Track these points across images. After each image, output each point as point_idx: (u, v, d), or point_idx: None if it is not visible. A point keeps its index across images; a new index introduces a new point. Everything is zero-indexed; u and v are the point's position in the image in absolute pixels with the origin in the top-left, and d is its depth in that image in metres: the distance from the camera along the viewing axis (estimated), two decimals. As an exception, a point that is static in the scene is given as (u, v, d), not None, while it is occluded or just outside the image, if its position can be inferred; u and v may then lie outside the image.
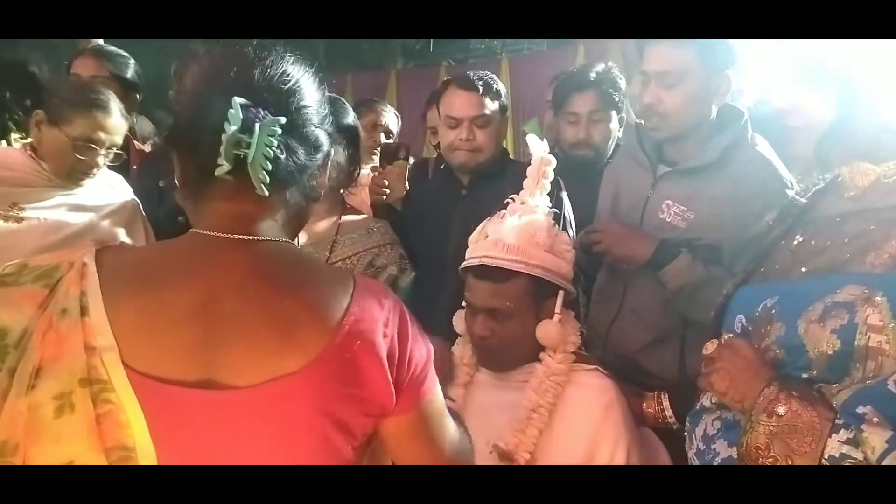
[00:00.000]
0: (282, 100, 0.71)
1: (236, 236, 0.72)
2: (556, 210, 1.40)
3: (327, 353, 0.69)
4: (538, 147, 1.42)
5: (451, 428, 0.83)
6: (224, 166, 0.67)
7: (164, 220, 1.79)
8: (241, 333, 0.68)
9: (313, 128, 0.74)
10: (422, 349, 0.78)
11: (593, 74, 2.01)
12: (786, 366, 0.91)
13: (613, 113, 2.03)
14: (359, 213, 1.75)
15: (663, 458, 1.36)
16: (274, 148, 0.68)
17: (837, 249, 0.91)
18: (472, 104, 1.77)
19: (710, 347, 0.95)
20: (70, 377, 0.65)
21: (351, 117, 1.59)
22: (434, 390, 0.80)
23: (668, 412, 1.35)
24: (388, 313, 0.75)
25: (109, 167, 1.66)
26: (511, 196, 1.40)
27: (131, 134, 2.34)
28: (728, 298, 1.05)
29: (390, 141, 2.46)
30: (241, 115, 0.66)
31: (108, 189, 1.69)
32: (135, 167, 2.08)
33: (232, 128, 0.66)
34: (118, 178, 1.76)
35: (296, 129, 0.72)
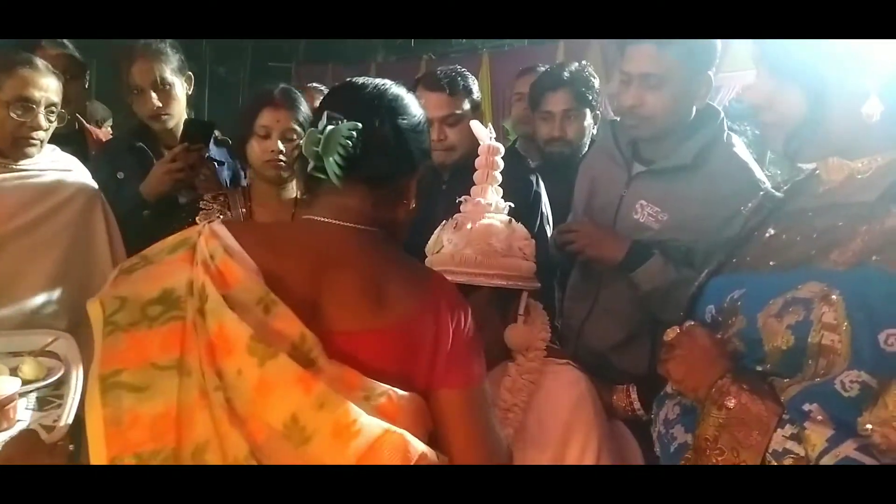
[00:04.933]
0: (384, 115, 0.91)
1: (341, 223, 0.91)
2: (510, 204, 1.36)
3: (405, 321, 0.87)
4: (484, 134, 1.36)
5: (495, 425, 0.96)
6: (307, 160, 0.89)
7: (126, 212, 1.73)
8: (343, 295, 0.86)
9: (405, 142, 0.93)
10: (476, 335, 0.95)
11: (566, 74, 2.03)
12: (743, 358, 0.90)
13: (587, 111, 2.05)
14: None
15: (634, 450, 1.36)
16: (349, 147, 0.87)
17: (806, 244, 0.90)
18: (440, 104, 1.77)
19: (670, 334, 0.95)
20: (250, 296, 0.82)
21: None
22: (484, 382, 0.94)
23: (637, 404, 1.35)
24: (455, 300, 0.94)
25: (63, 148, 1.60)
26: (463, 197, 1.36)
27: (85, 118, 2.27)
28: (701, 288, 1.05)
29: None
30: (325, 122, 0.88)
31: (62, 173, 1.62)
32: (93, 153, 2.01)
33: (314, 129, 0.88)
34: (74, 162, 1.70)
35: (387, 140, 0.91)
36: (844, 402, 0.78)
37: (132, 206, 1.74)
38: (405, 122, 0.93)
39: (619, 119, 1.65)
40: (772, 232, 0.99)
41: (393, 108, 0.93)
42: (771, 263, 0.94)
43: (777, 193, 1.07)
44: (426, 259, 1.34)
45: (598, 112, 2.09)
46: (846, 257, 0.83)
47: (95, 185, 1.68)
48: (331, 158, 0.87)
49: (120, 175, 1.84)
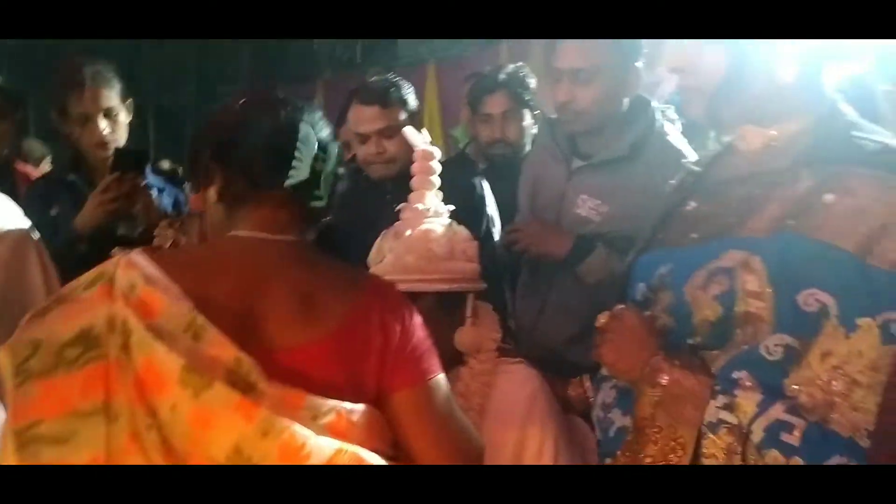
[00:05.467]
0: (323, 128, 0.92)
1: (267, 236, 0.88)
2: (451, 208, 1.36)
3: (344, 327, 0.85)
4: (418, 140, 1.37)
5: (460, 419, 0.93)
6: (323, 199, 0.91)
7: (61, 248, 1.67)
8: (276, 311, 0.84)
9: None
10: (423, 333, 0.92)
11: (503, 76, 2.06)
12: (674, 333, 0.91)
13: (526, 111, 2.08)
14: None
15: (591, 444, 1.36)
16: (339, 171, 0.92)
17: (725, 215, 0.90)
18: (375, 117, 1.76)
19: (601, 319, 0.94)
20: (177, 324, 0.78)
21: None
22: (438, 373, 0.91)
23: (591, 395, 1.33)
24: (394, 301, 0.92)
25: None
26: (401, 204, 1.36)
27: (19, 156, 2.19)
28: (630, 267, 1.06)
29: None
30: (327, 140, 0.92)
31: None
32: (24, 190, 1.95)
33: (333, 166, 0.92)
34: (2, 201, 1.63)
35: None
36: (770, 366, 0.79)
37: (67, 242, 1.68)
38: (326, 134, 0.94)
39: (555, 117, 1.67)
40: (693, 205, 0.99)
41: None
42: (693, 236, 0.93)
43: (696, 168, 1.07)
44: (368, 269, 1.33)
45: (536, 112, 2.11)
46: (763, 224, 0.84)
47: (27, 223, 1.62)
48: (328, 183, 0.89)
49: (53, 211, 1.78)
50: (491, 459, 1.25)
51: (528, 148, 2.08)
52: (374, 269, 1.32)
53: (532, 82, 2.09)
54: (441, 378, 0.92)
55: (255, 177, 0.87)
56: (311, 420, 0.79)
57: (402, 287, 1.23)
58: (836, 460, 0.73)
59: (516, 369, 1.33)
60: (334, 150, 0.94)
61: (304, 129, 0.89)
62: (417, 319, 0.93)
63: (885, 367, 0.73)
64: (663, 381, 0.84)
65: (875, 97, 1.11)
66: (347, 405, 0.82)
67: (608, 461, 0.97)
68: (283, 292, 0.86)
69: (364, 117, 1.77)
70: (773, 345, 0.79)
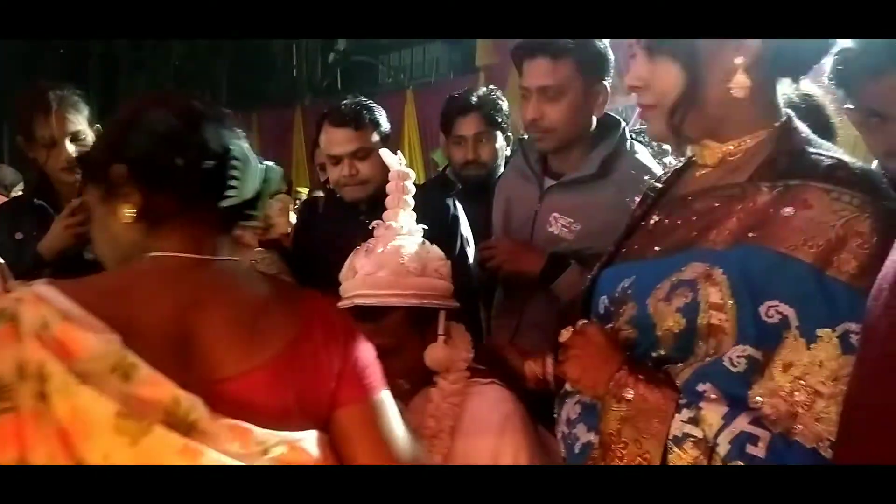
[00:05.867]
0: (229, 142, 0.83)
1: (199, 256, 0.81)
2: (424, 227, 1.36)
3: (289, 348, 0.80)
4: (393, 161, 1.38)
5: (403, 435, 0.88)
6: (258, 218, 0.87)
7: (25, 273, 1.64)
8: (215, 337, 0.77)
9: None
10: (367, 348, 0.89)
11: (475, 98, 2.08)
12: (637, 345, 0.91)
13: (498, 133, 2.10)
14: (247, 247, 1.67)
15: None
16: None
17: (687, 228, 0.91)
18: (347, 139, 1.77)
19: (564, 335, 0.94)
20: (103, 365, 0.70)
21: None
22: (383, 389, 0.88)
23: (550, 377, 1.31)
24: (336, 318, 0.89)
25: None
26: (375, 222, 1.36)
27: None
28: (593, 281, 1.05)
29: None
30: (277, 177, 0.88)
31: None
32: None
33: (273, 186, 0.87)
34: None
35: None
36: (734, 378, 0.79)
37: (33, 266, 1.65)
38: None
39: (525, 137, 1.69)
40: (656, 219, 0.99)
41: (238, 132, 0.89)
42: (656, 249, 0.94)
43: (657, 184, 1.09)
44: (340, 286, 1.32)
45: (509, 134, 2.13)
46: (724, 236, 0.85)
47: None
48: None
49: (18, 236, 1.75)
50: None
51: (501, 169, 2.10)
52: (346, 284, 1.31)
53: (504, 105, 2.12)
54: (386, 394, 0.89)
55: (189, 197, 0.80)
56: (262, 454, 0.74)
57: (372, 301, 1.25)
58: None
59: (488, 390, 1.31)
60: (274, 172, 0.88)
61: (240, 145, 0.83)
62: (360, 335, 0.90)
63: (844, 378, 0.73)
64: (628, 395, 0.83)
65: (825, 111, 1.14)
66: (297, 435, 0.77)
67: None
68: (221, 316, 0.79)
69: (336, 140, 1.78)
70: (735, 356, 0.79)
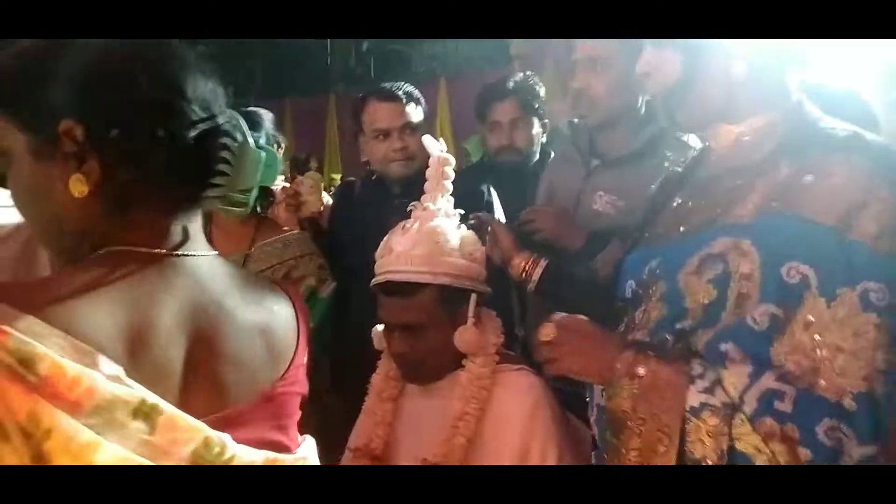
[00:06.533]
0: (217, 110, 0.66)
1: (174, 252, 0.64)
2: (461, 211, 1.37)
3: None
4: (434, 147, 1.39)
5: None
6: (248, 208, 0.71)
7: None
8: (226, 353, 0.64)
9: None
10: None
11: (511, 83, 2.04)
12: (664, 319, 0.92)
13: (535, 119, 2.06)
14: (283, 228, 1.69)
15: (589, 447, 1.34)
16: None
17: (710, 207, 0.93)
18: (397, 113, 1.76)
19: (549, 333, 0.92)
20: (121, 410, 0.55)
21: (263, 131, 1.57)
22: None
23: (533, 281, 1.30)
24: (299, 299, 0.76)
25: None
26: (412, 203, 1.36)
27: None
28: (618, 267, 1.07)
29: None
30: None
31: None
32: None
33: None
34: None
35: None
36: (756, 336, 0.81)
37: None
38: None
39: (575, 121, 1.72)
40: (679, 201, 1.02)
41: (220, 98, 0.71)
42: (682, 229, 0.96)
43: (677, 168, 1.11)
44: (375, 264, 1.34)
45: (546, 121, 2.10)
46: (748, 210, 0.87)
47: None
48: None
49: None
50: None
51: (536, 157, 2.08)
52: (381, 261, 1.32)
53: (541, 91, 2.08)
54: None
55: (164, 179, 0.63)
56: None
57: (405, 277, 1.26)
58: (826, 423, 0.76)
59: (518, 376, 1.30)
60: (274, 159, 0.73)
61: (238, 119, 0.67)
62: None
63: (865, 334, 0.76)
64: (641, 371, 0.85)
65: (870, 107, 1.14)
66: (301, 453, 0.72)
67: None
68: (222, 325, 0.65)
69: (384, 114, 1.76)
70: (758, 315, 0.81)
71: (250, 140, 0.67)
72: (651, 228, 1.06)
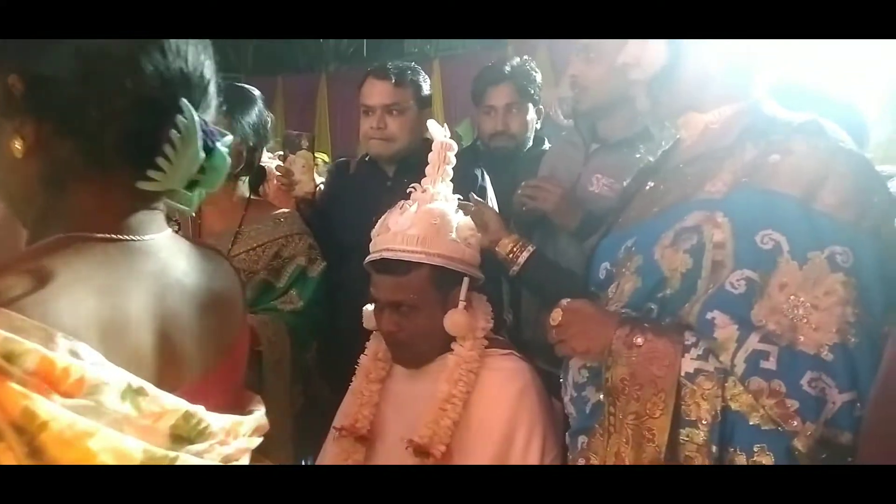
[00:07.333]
0: (196, 90, 0.64)
1: (136, 238, 0.62)
2: (459, 196, 1.37)
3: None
4: (438, 132, 1.40)
5: None
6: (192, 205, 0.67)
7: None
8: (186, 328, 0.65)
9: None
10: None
11: (508, 68, 2.03)
12: (641, 290, 0.97)
13: (530, 105, 2.06)
14: (275, 206, 1.68)
15: None
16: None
17: (682, 188, 1.00)
18: (384, 92, 1.75)
19: (556, 317, 0.98)
20: (111, 393, 0.55)
21: (255, 109, 1.56)
22: None
23: (518, 264, 1.36)
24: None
25: None
26: (412, 185, 1.37)
27: None
28: (592, 253, 1.12)
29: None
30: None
31: None
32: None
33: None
34: None
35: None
36: (737, 300, 0.87)
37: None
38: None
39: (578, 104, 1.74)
40: (651, 185, 1.08)
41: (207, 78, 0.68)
42: (654, 210, 1.02)
43: (651, 159, 1.18)
44: (371, 242, 1.34)
45: (540, 107, 2.10)
46: (718, 187, 0.94)
47: None
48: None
49: None
50: (476, 452, 1.24)
51: (530, 143, 2.07)
52: (377, 238, 1.33)
53: (538, 76, 2.07)
54: None
55: (98, 155, 0.60)
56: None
57: (399, 256, 1.27)
58: (808, 376, 0.81)
59: (505, 360, 1.31)
60: (222, 160, 0.67)
61: (190, 109, 0.61)
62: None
63: (835, 292, 0.84)
64: (639, 341, 0.90)
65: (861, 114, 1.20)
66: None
67: (582, 438, 1.01)
68: (186, 304, 0.66)
69: (373, 91, 1.76)
70: (735, 279, 0.87)
71: (197, 138, 0.62)
72: (624, 215, 1.11)
